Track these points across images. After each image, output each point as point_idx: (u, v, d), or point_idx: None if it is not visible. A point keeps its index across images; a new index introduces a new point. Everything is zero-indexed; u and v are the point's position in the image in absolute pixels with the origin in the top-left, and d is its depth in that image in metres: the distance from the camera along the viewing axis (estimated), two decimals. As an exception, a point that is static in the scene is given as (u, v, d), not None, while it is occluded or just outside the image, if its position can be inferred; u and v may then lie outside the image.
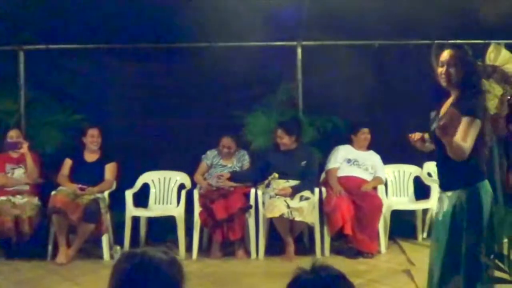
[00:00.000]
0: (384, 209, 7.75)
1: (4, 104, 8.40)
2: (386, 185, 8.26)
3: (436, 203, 4.45)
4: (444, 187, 4.31)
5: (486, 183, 4.20)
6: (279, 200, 7.53)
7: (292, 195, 7.61)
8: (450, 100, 4.38)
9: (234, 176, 7.83)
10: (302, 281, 2.50)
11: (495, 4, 8.13)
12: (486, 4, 8.14)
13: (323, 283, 2.45)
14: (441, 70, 4.32)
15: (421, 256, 7.50)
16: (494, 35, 8.27)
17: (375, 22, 8.11)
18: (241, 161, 8.08)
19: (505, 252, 4.07)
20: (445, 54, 4.30)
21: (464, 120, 4.08)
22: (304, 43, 8.81)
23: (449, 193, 4.21)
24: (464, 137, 4.07)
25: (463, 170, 4.15)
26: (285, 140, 7.89)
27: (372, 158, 8.22)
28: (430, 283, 4.40)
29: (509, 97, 8.30)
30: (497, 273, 4.05)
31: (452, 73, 4.26)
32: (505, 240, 4.20)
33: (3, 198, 7.57)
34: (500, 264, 4.01)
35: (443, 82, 4.34)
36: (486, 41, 8.35)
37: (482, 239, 4.09)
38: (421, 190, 8.43)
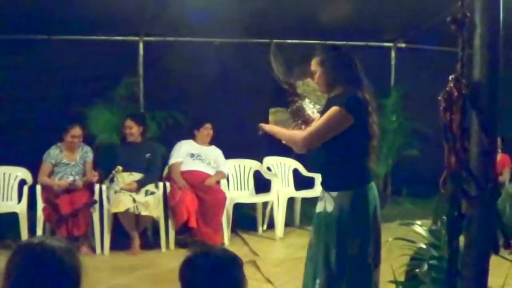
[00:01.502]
0: (227, 203, 8.01)
1: None
2: (228, 179, 8.53)
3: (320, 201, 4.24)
4: (327, 187, 4.15)
5: (373, 185, 4.13)
6: (125, 195, 7.61)
7: (137, 190, 7.71)
8: None
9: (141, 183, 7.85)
10: (194, 261, 2.66)
11: (332, 6, 8.58)
12: (323, 6, 8.55)
13: (215, 261, 2.63)
14: (315, 79, 4.39)
15: (263, 247, 7.91)
16: (330, 35, 8.77)
17: (217, 20, 8.35)
18: (84, 158, 8.03)
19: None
20: (312, 64, 4.35)
21: (328, 111, 4.07)
22: (146, 38, 8.93)
23: (334, 194, 4.06)
24: (314, 127, 4.17)
25: (348, 170, 4.10)
26: (134, 130, 8.02)
27: (215, 153, 8.48)
28: (308, 278, 4.30)
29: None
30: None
31: (321, 79, 4.28)
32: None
33: None
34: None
35: (321, 91, 4.44)
36: (323, 41, 8.86)
37: (367, 243, 4.03)
38: (261, 184, 8.76)
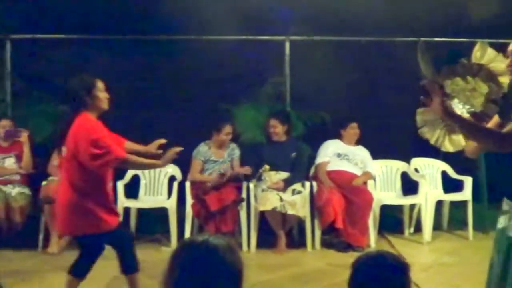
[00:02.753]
0: (374, 204, 7.89)
1: (-10, 93, 8.39)
2: (375, 180, 8.40)
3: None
4: None
5: None
6: (272, 193, 7.65)
7: (284, 189, 7.73)
8: None
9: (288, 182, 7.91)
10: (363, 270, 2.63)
11: (481, 3, 8.35)
12: (473, 3, 8.35)
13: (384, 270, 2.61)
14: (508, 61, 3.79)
15: (409, 250, 7.72)
16: (479, 33, 8.50)
17: (363, 19, 8.28)
18: (231, 155, 8.14)
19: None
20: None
21: None
22: (292, 38, 8.93)
23: None
24: None
25: None
26: (278, 129, 8.04)
27: (362, 153, 8.37)
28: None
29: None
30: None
31: None
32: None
33: (-7, 187, 7.54)
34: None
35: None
36: (472, 39, 8.61)
37: None
38: (408, 186, 8.58)
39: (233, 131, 8.14)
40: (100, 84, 5.21)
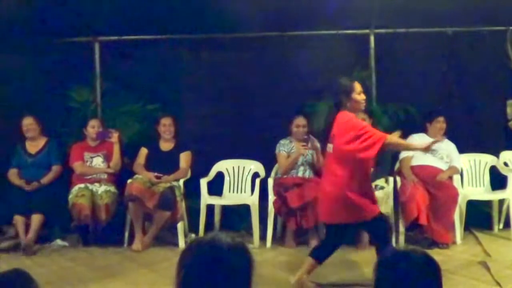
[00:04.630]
0: (459, 199, 7.67)
1: (81, 94, 8.67)
2: (461, 174, 8.18)
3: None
4: None
5: None
6: (353, 190, 7.56)
7: (366, 185, 7.65)
8: None
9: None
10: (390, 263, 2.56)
11: None
12: None
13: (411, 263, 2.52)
14: None
15: (497, 247, 7.47)
16: None
17: (448, 9, 8.07)
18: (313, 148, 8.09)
19: None
20: None
21: None
22: (376, 31, 8.81)
23: None
24: None
25: None
26: (367, 122, 7.95)
27: (448, 147, 8.15)
28: None
29: None
30: None
31: None
32: None
33: (81, 185, 7.78)
34: None
35: None
36: None
37: None
38: (497, 180, 8.30)
39: (308, 124, 8.09)
40: (357, 87, 5.75)
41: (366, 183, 5.85)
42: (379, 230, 5.86)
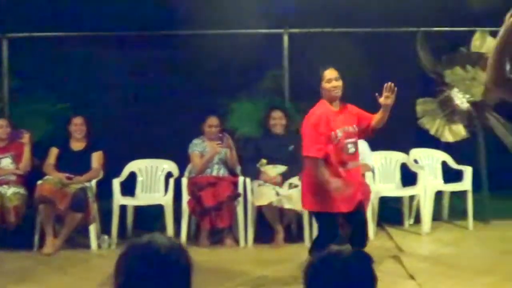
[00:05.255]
0: (372, 196, 7.78)
1: (-13, 93, 8.40)
2: (373, 172, 8.31)
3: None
4: None
5: None
6: (268, 188, 7.57)
7: (281, 183, 7.67)
8: None
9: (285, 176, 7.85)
10: (318, 263, 2.53)
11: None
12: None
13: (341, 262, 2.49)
14: None
15: (408, 242, 7.66)
16: (479, 22, 8.41)
17: (361, 10, 8.19)
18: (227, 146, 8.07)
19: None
20: None
21: None
22: (290, 30, 8.85)
23: None
24: None
25: None
26: (283, 121, 8.01)
27: (360, 145, 8.22)
28: None
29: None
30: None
31: None
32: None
33: (-11, 188, 7.53)
34: None
35: None
36: (472, 28, 8.51)
37: None
38: (407, 177, 8.48)
39: (220, 122, 8.09)
40: (326, 75, 5.91)
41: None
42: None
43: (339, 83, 5.92)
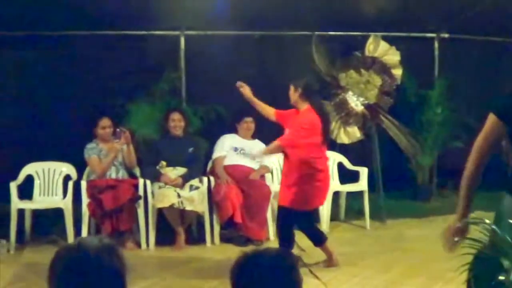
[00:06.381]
0: (271, 197, 7.92)
1: None
2: (272, 173, 8.44)
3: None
4: None
5: None
6: (169, 190, 7.58)
7: (182, 185, 7.69)
8: None
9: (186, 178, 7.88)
10: (245, 263, 2.59)
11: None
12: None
13: (268, 263, 2.57)
14: None
15: (309, 242, 7.77)
16: (373, 27, 8.72)
17: (257, 13, 8.32)
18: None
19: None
20: None
21: None
22: (187, 32, 8.89)
23: None
24: None
25: None
26: (182, 123, 8.01)
27: (258, 146, 8.36)
28: None
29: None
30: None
31: None
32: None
33: None
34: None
35: None
36: (366, 33, 8.82)
37: None
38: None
39: (113, 124, 7.99)
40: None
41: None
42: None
43: None
